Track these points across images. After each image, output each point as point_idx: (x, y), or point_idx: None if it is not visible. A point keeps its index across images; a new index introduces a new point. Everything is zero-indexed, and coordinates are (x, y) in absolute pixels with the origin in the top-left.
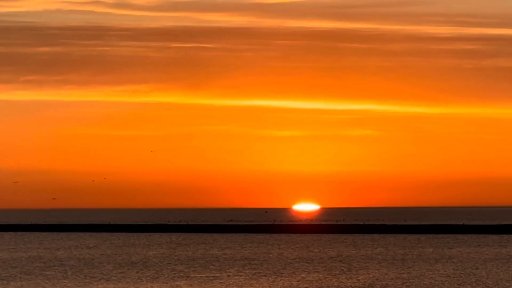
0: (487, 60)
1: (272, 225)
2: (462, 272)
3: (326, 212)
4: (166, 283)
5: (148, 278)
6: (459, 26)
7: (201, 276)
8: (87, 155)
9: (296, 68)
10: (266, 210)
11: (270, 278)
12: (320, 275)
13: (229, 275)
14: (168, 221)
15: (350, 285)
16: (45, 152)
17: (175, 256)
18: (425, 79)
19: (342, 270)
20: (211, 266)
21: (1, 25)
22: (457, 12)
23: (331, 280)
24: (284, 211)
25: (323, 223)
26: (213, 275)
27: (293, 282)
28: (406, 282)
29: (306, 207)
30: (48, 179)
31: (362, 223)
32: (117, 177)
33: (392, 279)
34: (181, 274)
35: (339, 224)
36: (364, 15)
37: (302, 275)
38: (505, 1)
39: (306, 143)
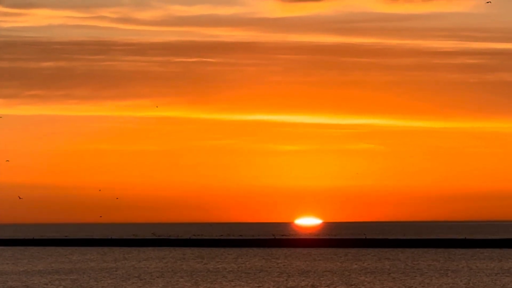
0: (491, 74)
1: (273, 239)
2: (464, 285)
3: (329, 226)
4: None
5: None
6: (463, 41)
7: None
8: (91, 170)
9: (299, 82)
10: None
11: None
12: None
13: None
14: (160, 236)
15: None
16: (49, 167)
17: (178, 269)
18: (428, 94)
19: (344, 284)
20: (215, 280)
21: (5, 40)
22: (460, 26)
23: None
24: (286, 226)
25: (325, 237)
26: None
27: None
28: None
29: (308, 222)
30: (52, 194)
31: (364, 237)
32: (118, 192)
33: None
34: None
35: (341, 238)
36: (367, 30)
37: None
38: (508, 16)
39: (309, 157)
